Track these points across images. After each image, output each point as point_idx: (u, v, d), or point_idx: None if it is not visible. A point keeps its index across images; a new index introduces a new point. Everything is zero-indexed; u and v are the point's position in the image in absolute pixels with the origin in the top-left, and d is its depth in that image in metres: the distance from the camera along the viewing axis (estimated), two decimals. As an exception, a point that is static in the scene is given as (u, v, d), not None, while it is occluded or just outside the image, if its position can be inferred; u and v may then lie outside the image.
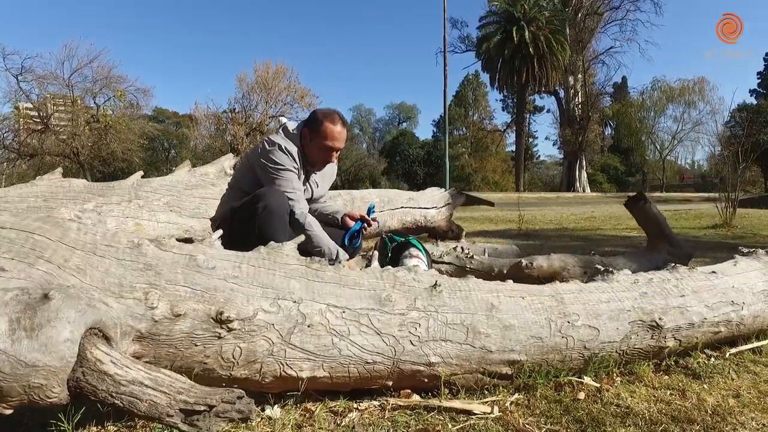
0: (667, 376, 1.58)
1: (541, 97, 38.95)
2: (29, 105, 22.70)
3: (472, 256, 2.96)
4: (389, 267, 1.48)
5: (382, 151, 47.22)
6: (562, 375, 1.49)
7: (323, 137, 2.15)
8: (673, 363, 1.64)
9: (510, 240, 6.66)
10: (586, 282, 1.77)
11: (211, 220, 2.50)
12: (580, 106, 32.92)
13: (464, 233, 3.76)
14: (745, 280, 1.77)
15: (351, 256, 2.67)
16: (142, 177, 2.98)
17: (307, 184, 2.31)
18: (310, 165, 2.26)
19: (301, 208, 2.10)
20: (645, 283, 1.67)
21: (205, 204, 3.05)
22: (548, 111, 41.35)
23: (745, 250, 2.00)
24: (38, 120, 22.26)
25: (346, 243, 2.46)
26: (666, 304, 1.61)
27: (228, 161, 3.50)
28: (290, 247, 1.33)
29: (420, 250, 2.24)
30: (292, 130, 2.21)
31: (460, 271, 2.95)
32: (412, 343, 1.32)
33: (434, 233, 4.99)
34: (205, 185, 3.16)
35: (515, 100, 35.61)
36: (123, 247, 1.04)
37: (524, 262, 2.81)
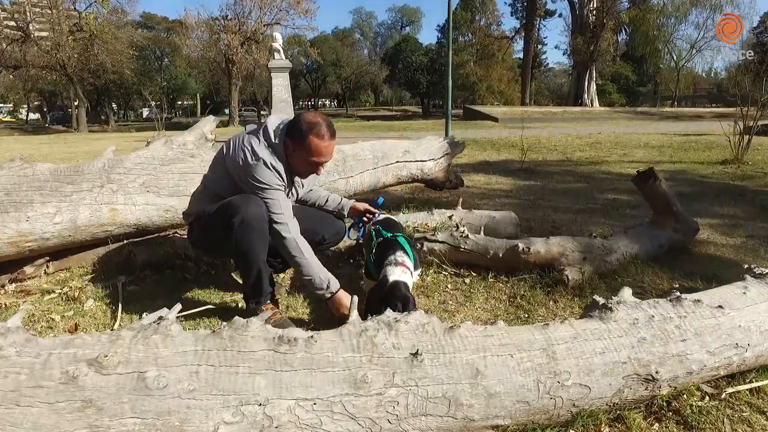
0: (657, 424, 1.52)
1: (553, 1, 36.16)
2: (3, 14, 21.24)
3: (467, 235, 2.84)
4: (368, 328, 1.36)
5: (384, 57, 45.11)
6: (548, 430, 1.44)
7: (309, 153, 1.94)
8: (665, 404, 1.58)
9: (512, 179, 6.51)
10: (581, 317, 1.67)
11: (183, 214, 2.35)
12: (594, 12, 30.51)
13: (460, 203, 3.59)
14: (753, 315, 1.65)
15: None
16: (115, 153, 2.77)
17: (290, 191, 2.14)
18: (295, 174, 2.08)
19: (291, 233, 1.94)
20: (645, 324, 1.56)
21: (184, 180, 2.88)
22: (560, 15, 38.65)
23: (757, 270, 1.86)
24: (16, 28, 20.92)
25: (348, 236, 2.55)
26: (665, 351, 1.51)
27: (208, 125, 3.26)
28: (257, 326, 1.20)
29: (407, 252, 2.10)
30: (273, 133, 1.96)
31: (454, 251, 2.85)
32: (389, 422, 1.24)
33: (432, 185, 4.80)
34: (184, 158, 2.96)
35: (525, 3, 33.13)
36: (55, 383, 0.92)
37: (521, 246, 2.69)
